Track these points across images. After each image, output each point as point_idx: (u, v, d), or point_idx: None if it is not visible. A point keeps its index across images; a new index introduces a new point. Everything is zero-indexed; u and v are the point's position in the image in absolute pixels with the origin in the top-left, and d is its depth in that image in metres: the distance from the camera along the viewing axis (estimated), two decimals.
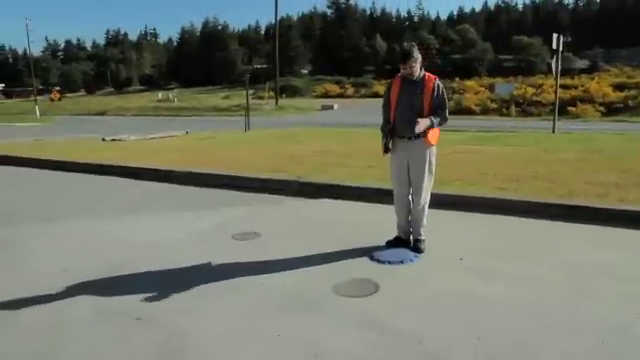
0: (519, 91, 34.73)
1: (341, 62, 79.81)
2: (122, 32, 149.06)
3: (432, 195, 4.57)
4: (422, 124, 4.13)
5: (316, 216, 5.80)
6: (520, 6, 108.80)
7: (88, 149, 12.31)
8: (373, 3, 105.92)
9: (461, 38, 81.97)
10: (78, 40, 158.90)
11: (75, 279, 3.97)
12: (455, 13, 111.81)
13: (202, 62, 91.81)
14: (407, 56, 4.15)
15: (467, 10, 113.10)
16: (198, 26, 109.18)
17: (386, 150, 4.42)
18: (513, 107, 31.33)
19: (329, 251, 4.51)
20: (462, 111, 30.12)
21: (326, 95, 58.68)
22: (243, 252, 4.55)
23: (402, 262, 4.24)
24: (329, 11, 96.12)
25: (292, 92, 61.22)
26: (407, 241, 4.58)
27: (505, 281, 3.79)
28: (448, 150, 10.47)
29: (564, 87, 30.02)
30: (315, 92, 61.58)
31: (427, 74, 4.29)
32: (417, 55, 4.20)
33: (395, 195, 4.59)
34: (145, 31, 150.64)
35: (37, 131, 23.15)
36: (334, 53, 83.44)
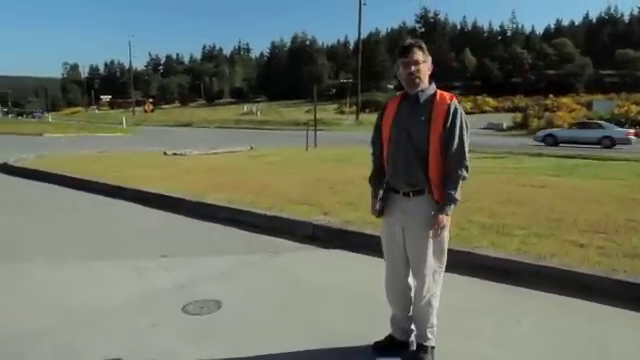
0: (621, 109, 31.04)
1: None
2: (217, 47, 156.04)
3: (469, 255, 3.13)
4: (440, 222, 2.63)
5: (312, 280, 4.33)
6: (626, 17, 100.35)
7: (133, 166, 11.72)
8: (464, 17, 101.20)
9: (557, 52, 76.62)
10: (177, 55, 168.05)
11: None
12: (552, 26, 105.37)
13: (289, 76, 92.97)
14: (410, 48, 2.65)
15: (565, 23, 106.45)
16: (288, 41, 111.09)
17: (378, 212, 2.90)
18: None
19: (301, 349, 3.08)
20: None
21: None
22: (183, 337, 3.21)
23: None
24: (417, 25, 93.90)
25: (375, 107, 59.85)
26: (406, 343, 2.99)
27: None
28: (520, 181, 8.69)
29: None
30: None
31: (440, 92, 2.72)
32: (426, 55, 2.71)
33: (386, 277, 2.99)
34: (238, 46, 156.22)
35: (114, 142, 23.56)
36: None
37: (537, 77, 64.56)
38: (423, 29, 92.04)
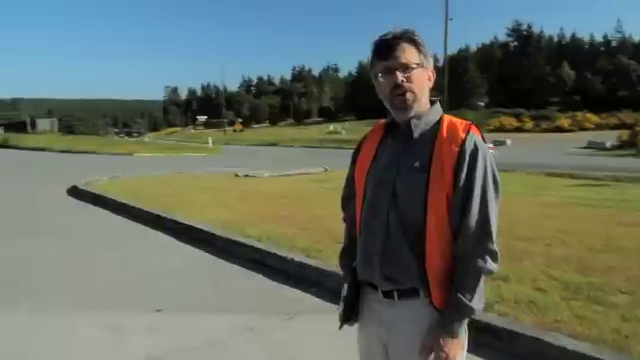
0: None
1: (521, 93, 73.36)
2: (306, 68, 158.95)
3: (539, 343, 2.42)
4: (442, 348, 1.52)
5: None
6: None
7: (196, 189, 11.38)
8: (561, 29, 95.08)
9: None
10: (268, 76, 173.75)
11: None
12: None
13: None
14: (394, 42, 1.55)
15: None
16: None
17: (343, 318, 1.78)
18: None
19: None
20: None
21: (501, 129, 53.81)
22: None
23: None
24: (510, 39, 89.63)
25: None
26: None
27: None
28: (623, 219, 7.01)
29: None
30: (489, 125, 56.94)
31: (449, 119, 1.62)
32: (424, 55, 1.59)
33: None
34: (327, 66, 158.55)
35: (195, 162, 23.81)
36: (514, 84, 77.23)
37: None
38: (516, 43, 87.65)
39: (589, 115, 56.40)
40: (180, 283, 4.99)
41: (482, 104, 79.94)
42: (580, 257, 5.04)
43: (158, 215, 7.83)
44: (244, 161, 23.42)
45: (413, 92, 1.56)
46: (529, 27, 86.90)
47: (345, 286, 1.79)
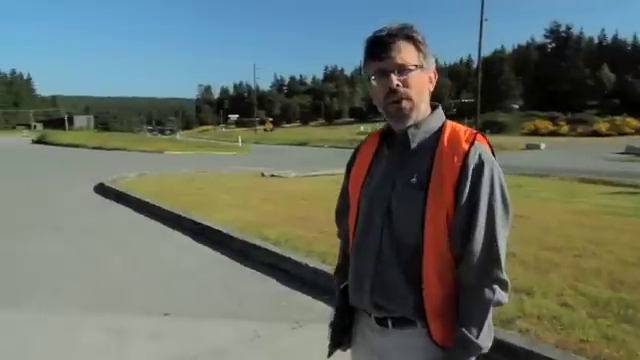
0: None
1: (557, 96, 71.53)
2: (339, 68, 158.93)
3: None
4: None
5: None
6: None
7: (220, 188, 11.36)
8: (602, 30, 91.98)
9: None
10: (300, 76, 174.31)
11: None
12: None
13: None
14: (388, 40, 1.34)
15: None
16: None
17: (332, 342, 1.63)
18: None
19: None
20: None
21: (535, 132, 52.61)
22: None
23: None
24: (547, 41, 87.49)
25: (497, 128, 56.39)
26: None
27: None
28: None
29: None
30: (524, 129, 55.74)
31: (452, 126, 1.42)
32: (424, 54, 1.39)
33: None
34: (360, 67, 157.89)
35: (223, 161, 23.93)
36: (550, 86, 75.35)
37: None
38: (554, 44, 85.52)
39: (629, 119, 54.13)
40: (191, 285, 4.89)
41: (516, 106, 78.33)
42: (611, 270, 4.73)
43: (178, 215, 7.78)
44: (272, 160, 23.42)
45: (410, 98, 1.36)
46: (568, 28, 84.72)
47: (334, 310, 1.63)
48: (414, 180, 1.35)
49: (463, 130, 1.39)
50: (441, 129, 1.41)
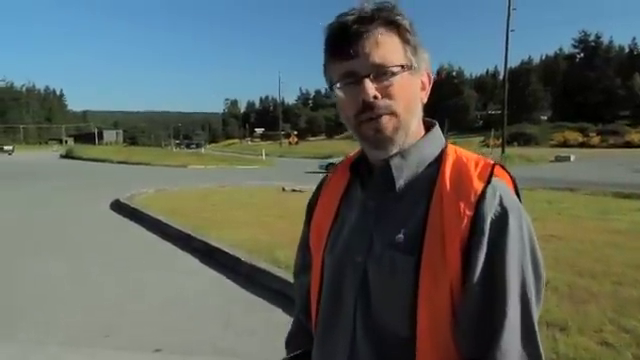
0: None
1: (587, 107, 69.80)
2: None
3: None
4: None
5: None
6: None
7: (237, 205, 11.09)
8: (633, 39, 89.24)
9: None
10: (326, 90, 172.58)
11: None
12: None
13: (434, 108, 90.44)
14: (360, 28, 0.88)
15: None
16: (432, 73, 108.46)
17: None
18: None
19: None
20: None
21: (564, 144, 51.26)
22: None
23: None
24: (576, 51, 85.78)
25: (525, 140, 55.18)
26: None
27: None
28: None
29: None
30: (552, 140, 54.42)
31: (455, 153, 0.96)
32: (413, 48, 0.93)
33: None
34: None
35: (245, 175, 23.75)
36: (579, 97, 73.66)
37: None
38: (582, 54, 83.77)
39: None
40: (190, 316, 4.52)
41: (544, 118, 76.82)
42: None
43: (188, 234, 7.47)
44: (293, 174, 23.12)
45: (395, 114, 0.92)
46: (597, 37, 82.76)
47: None
48: (400, 238, 0.92)
49: (473, 160, 0.94)
50: (440, 159, 0.97)
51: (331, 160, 27.94)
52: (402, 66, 0.91)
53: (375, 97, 0.89)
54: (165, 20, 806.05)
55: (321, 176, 1.20)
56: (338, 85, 0.93)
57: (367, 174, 1.03)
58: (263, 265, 5.58)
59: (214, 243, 6.75)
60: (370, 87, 0.89)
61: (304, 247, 1.20)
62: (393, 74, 0.90)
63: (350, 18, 0.90)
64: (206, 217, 9.05)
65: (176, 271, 6.09)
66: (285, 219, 9.10)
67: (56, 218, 10.23)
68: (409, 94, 0.93)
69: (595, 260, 5.66)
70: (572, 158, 34.85)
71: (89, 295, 5.18)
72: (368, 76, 0.89)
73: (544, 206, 10.42)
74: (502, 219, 0.86)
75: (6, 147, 63.41)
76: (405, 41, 0.93)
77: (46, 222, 9.73)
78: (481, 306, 0.85)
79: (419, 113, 0.98)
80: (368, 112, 0.90)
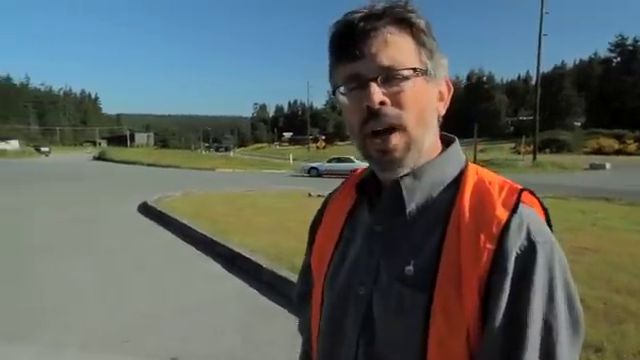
0: None
1: (624, 113, 67.83)
2: None
3: None
4: None
5: None
6: None
7: (262, 209, 11.05)
8: None
9: None
10: None
11: None
12: None
13: (464, 113, 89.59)
14: (367, 26, 0.77)
15: None
16: (463, 78, 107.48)
17: None
18: None
19: None
20: None
21: (599, 151, 49.90)
22: None
23: None
24: (612, 55, 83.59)
25: (558, 147, 53.98)
26: None
27: None
28: None
29: None
30: (586, 147, 53.05)
31: (476, 175, 0.83)
32: (428, 50, 0.80)
33: None
34: None
35: (271, 179, 23.82)
36: (615, 102, 71.71)
37: None
38: (619, 59, 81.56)
39: None
40: (209, 323, 4.44)
41: (578, 124, 75.03)
42: None
43: (212, 239, 7.43)
44: (321, 179, 23.04)
45: (404, 127, 0.79)
46: (635, 41, 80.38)
47: None
48: (410, 270, 0.79)
49: (497, 184, 0.81)
50: (459, 181, 0.84)
51: (313, 164, 28.24)
52: (415, 70, 0.79)
53: (382, 103, 0.77)
54: (196, 26, 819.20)
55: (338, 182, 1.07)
56: (342, 90, 0.81)
57: (375, 194, 0.91)
58: (284, 273, 5.47)
59: (237, 249, 6.69)
60: (376, 92, 0.77)
61: (306, 272, 1.07)
62: (404, 78, 0.78)
63: (357, 16, 0.79)
64: (231, 222, 9.00)
65: (200, 277, 6.03)
66: (308, 225, 8.99)
67: (83, 220, 10.33)
68: (422, 103, 0.80)
69: (633, 276, 5.37)
70: (607, 166, 33.85)
71: (110, 298, 5.15)
72: (375, 79, 0.77)
73: (578, 216, 10.04)
74: (529, 256, 0.72)
75: (43, 148, 65.60)
76: (419, 43, 0.81)
77: (71, 225, 9.83)
78: (504, 352, 0.71)
79: (435, 127, 0.85)
80: (374, 122, 0.78)
